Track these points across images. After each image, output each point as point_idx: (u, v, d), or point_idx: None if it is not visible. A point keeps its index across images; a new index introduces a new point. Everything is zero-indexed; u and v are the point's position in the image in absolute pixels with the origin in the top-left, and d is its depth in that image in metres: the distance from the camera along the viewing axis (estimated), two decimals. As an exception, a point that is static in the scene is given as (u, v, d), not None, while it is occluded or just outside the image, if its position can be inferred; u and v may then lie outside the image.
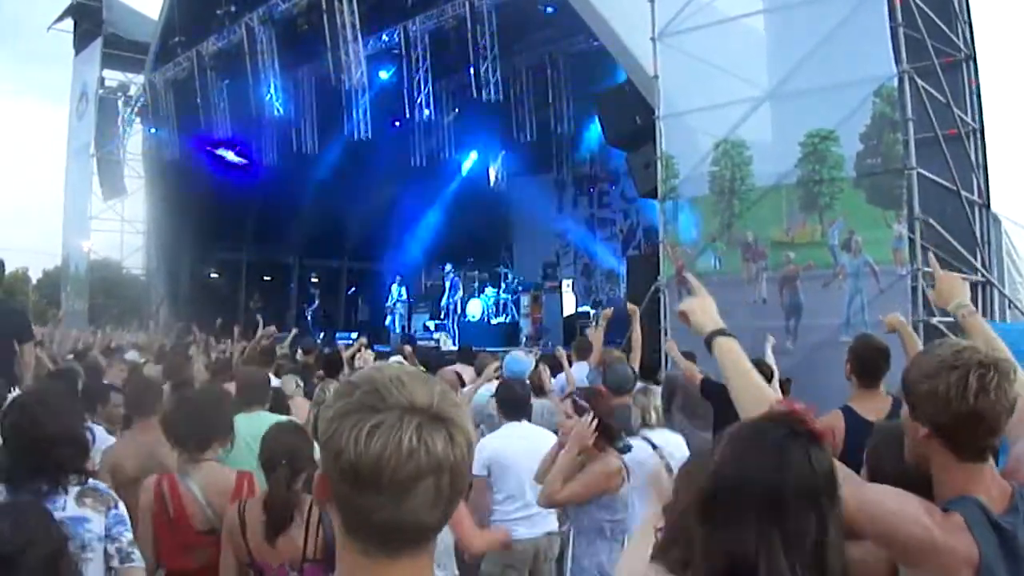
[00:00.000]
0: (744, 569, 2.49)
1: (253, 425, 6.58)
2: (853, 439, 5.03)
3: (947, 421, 3.02)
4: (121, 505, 4.61)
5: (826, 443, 2.67)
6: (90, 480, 4.60)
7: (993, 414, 2.96)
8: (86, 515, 4.41)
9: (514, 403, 7.99)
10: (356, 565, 2.05)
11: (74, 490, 4.45)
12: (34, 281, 68.19)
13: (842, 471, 3.05)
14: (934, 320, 13.09)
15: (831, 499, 2.58)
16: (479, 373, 11.69)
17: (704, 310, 3.84)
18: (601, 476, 6.41)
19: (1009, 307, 15.30)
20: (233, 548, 5.11)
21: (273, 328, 16.85)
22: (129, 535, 4.57)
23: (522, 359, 11.01)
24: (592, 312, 29.38)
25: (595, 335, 11.59)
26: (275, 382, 10.57)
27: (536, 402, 9.48)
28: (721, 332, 3.69)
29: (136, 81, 36.02)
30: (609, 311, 12.77)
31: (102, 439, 6.88)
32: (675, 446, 7.58)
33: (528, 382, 9.81)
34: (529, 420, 8.12)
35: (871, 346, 6.76)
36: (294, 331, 19.10)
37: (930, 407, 3.07)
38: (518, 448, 7.65)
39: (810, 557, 2.47)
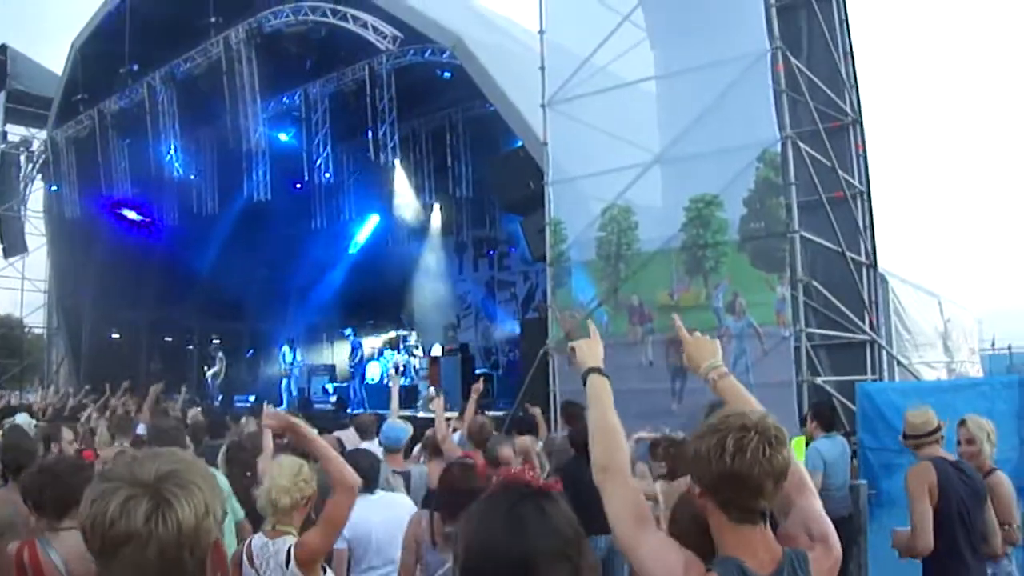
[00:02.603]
0: None
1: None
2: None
3: (709, 481, 3.17)
4: None
5: (558, 495, 2.75)
6: None
7: (752, 475, 3.08)
8: None
9: (367, 474, 7.98)
10: None
11: None
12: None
13: (631, 507, 3.28)
14: (818, 380, 13.30)
15: (578, 549, 2.64)
16: (361, 434, 11.73)
17: (590, 349, 4.07)
18: None
19: (897, 365, 15.54)
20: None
21: (160, 385, 16.82)
22: None
23: (399, 426, 11.01)
24: (491, 374, 29.47)
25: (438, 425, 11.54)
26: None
27: (415, 469, 9.58)
28: (598, 371, 3.90)
29: (39, 136, 35.68)
30: (479, 384, 12.78)
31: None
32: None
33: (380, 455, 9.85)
34: (376, 490, 8.09)
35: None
36: (183, 393, 18.97)
37: (696, 467, 3.22)
38: (375, 520, 7.66)
39: None
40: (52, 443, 10.26)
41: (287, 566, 5.77)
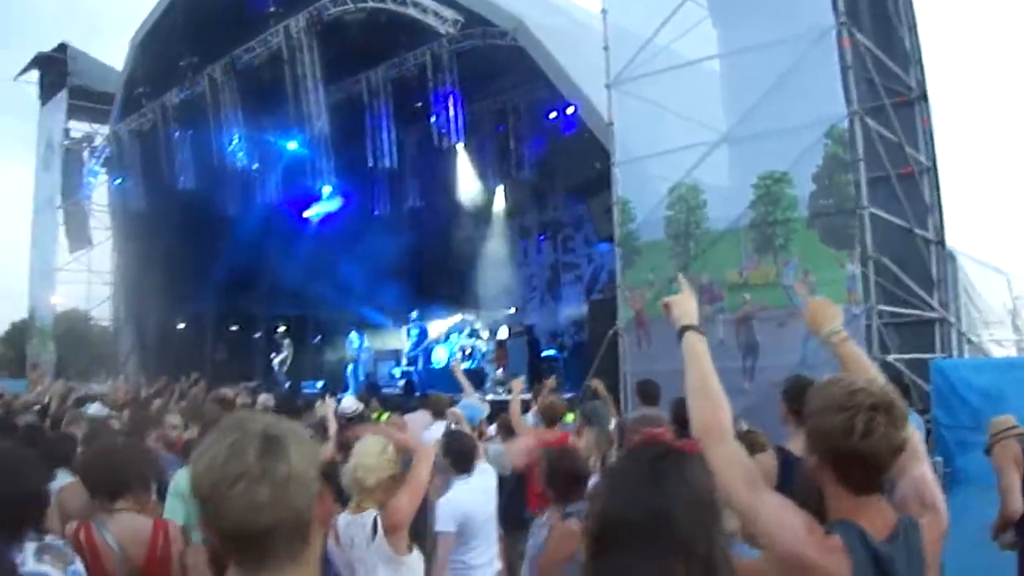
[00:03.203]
0: None
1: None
2: (786, 477, 5.10)
3: (833, 457, 3.16)
4: (79, 562, 4.61)
5: (697, 456, 2.74)
6: (47, 536, 4.62)
7: (877, 455, 3.09)
8: (45, 571, 4.41)
9: (464, 456, 8.04)
10: None
11: (32, 546, 4.45)
12: (1, 333, 67.71)
13: (742, 471, 3.25)
14: (889, 358, 13.20)
15: (712, 509, 2.64)
16: (435, 415, 11.79)
17: (685, 305, 4.02)
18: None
19: (967, 343, 15.39)
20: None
21: (197, 374, 17.02)
22: None
23: (477, 405, 11.07)
24: (558, 356, 29.43)
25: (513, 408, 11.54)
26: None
27: (490, 447, 9.60)
28: (694, 328, 3.85)
29: (101, 132, 35.87)
30: (520, 381, 12.71)
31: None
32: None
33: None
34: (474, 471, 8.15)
35: (803, 384, 6.81)
36: (250, 383, 19.11)
37: (819, 441, 3.19)
38: (475, 503, 7.77)
39: (702, 566, 2.54)
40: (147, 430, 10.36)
41: (374, 537, 5.86)
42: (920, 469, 3.52)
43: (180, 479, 7.42)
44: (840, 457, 3.12)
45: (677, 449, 2.72)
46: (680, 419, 7.35)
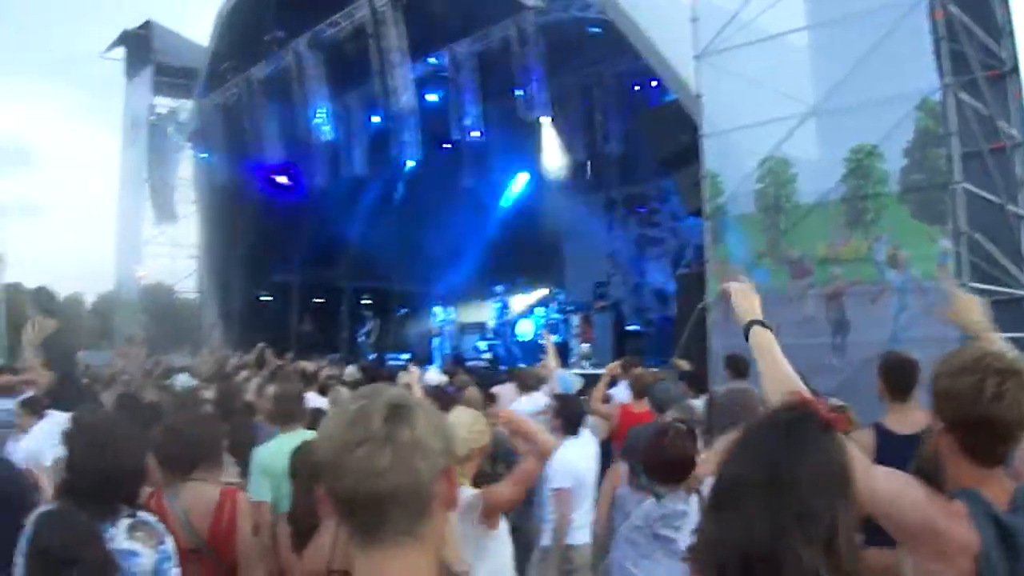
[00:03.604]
0: (757, 557, 2.50)
1: (288, 444, 6.88)
2: (884, 454, 5.03)
3: (960, 422, 3.10)
4: (169, 540, 4.64)
5: (836, 430, 2.68)
6: (140, 513, 4.64)
7: (1005, 422, 3.02)
8: (136, 549, 4.43)
9: (574, 418, 8.20)
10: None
11: (125, 522, 4.48)
12: (88, 305, 68.67)
13: (854, 456, 3.15)
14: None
15: (841, 485, 2.57)
16: (523, 388, 11.85)
17: (747, 301, 4.03)
18: None
19: (1058, 323, 15.15)
20: (266, 565, 5.19)
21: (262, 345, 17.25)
22: (175, 572, 4.61)
23: (568, 378, 11.14)
24: (643, 331, 29.38)
25: (598, 388, 11.64)
26: (321, 401, 10.74)
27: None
28: (760, 323, 3.88)
29: (186, 107, 36.31)
30: (615, 365, 12.72)
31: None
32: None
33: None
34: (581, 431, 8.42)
35: (900, 360, 6.75)
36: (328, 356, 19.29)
37: (946, 406, 3.15)
38: (583, 461, 7.95)
39: (823, 544, 2.48)
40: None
41: (469, 511, 5.88)
42: None
43: (261, 455, 7.49)
44: (968, 422, 3.08)
45: (819, 417, 2.64)
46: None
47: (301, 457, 5.67)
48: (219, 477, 5.86)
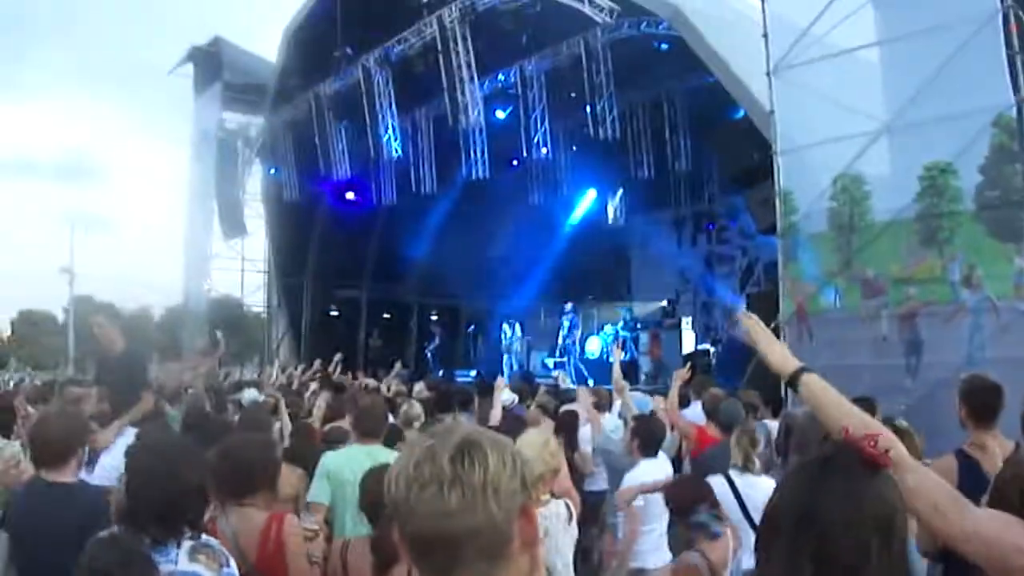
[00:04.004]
0: None
1: (358, 454, 7.17)
2: (967, 483, 4.89)
3: None
4: (232, 563, 4.59)
5: (885, 473, 2.54)
6: (203, 536, 4.59)
7: None
8: (198, 571, 4.36)
9: (652, 439, 8.29)
10: None
11: (187, 544, 4.42)
12: (156, 318, 69.44)
13: (942, 495, 3.08)
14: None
15: (879, 527, 2.43)
16: (598, 408, 11.78)
17: (781, 353, 3.83)
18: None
19: None
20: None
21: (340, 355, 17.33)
22: None
23: (642, 399, 11.07)
24: (712, 349, 29.28)
25: (672, 397, 11.54)
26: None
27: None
28: (805, 369, 3.64)
29: (255, 122, 36.75)
30: (684, 371, 12.55)
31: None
32: (760, 491, 7.52)
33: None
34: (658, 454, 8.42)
35: (984, 385, 6.55)
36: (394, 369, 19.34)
37: None
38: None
39: None
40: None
41: (569, 523, 6.11)
42: None
43: (328, 460, 7.62)
44: None
45: (860, 456, 2.50)
46: None
47: (375, 485, 5.62)
48: (273, 503, 5.86)
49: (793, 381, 3.64)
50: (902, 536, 2.49)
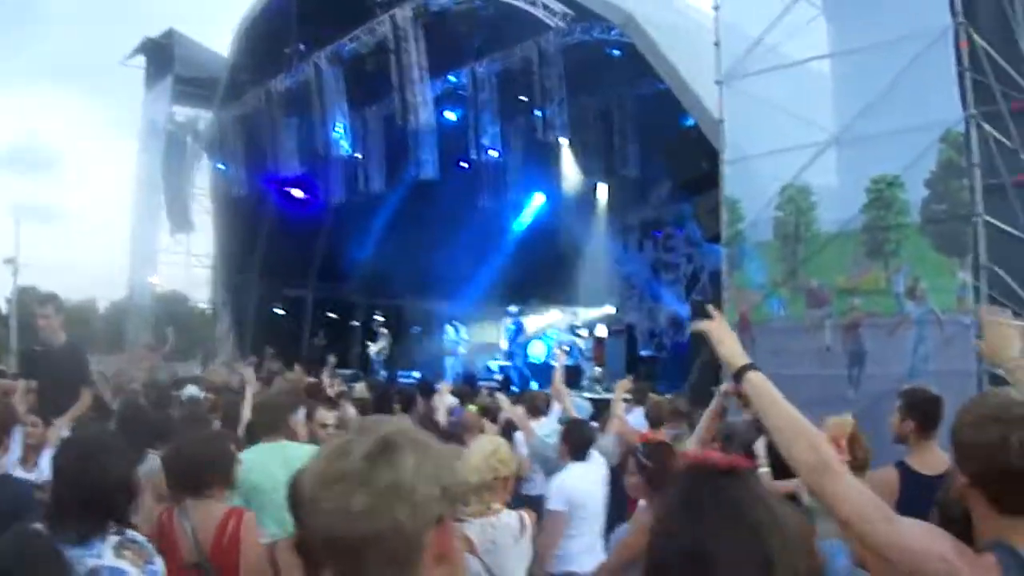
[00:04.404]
0: None
1: (264, 455, 7.13)
2: (909, 494, 4.91)
3: (985, 475, 2.96)
4: (158, 560, 4.60)
5: (747, 472, 2.47)
6: (129, 531, 4.57)
7: None
8: (123, 567, 4.35)
9: (582, 442, 8.29)
10: None
11: (113, 539, 4.41)
12: (101, 311, 68.92)
13: (867, 503, 3.09)
14: (999, 371, 12.86)
15: (773, 534, 2.36)
16: (531, 412, 11.75)
17: (732, 346, 3.81)
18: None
19: (1078, 361, 14.98)
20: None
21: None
22: None
23: (581, 403, 11.05)
24: (656, 356, 29.38)
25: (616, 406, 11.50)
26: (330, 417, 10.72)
27: (602, 439, 9.78)
28: (752, 367, 3.64)
29: (205, 117, 36.42)
30: (627, 381, 12.51)
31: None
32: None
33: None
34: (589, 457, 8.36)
35: (927, 396, 6.59)
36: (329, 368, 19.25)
37: (970, 458, 3.01)
38: (589, 487, 7.88)
39: None
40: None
41: (521, 536, 5.97)
42: None
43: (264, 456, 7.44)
44: (993, 475, 2.93)
45: (719, 470, 2.42)
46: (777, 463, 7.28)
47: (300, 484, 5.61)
48: (230, 495, 5.92)
49: (739, 375, 3.65)
50: (794, 540, 2.43)
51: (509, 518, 5.98)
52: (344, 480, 2.00)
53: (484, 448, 6.14)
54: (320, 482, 2.02)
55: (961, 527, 3.12)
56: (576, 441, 8.44)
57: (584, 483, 8.15)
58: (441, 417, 10.52)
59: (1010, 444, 2.85)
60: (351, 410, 10.99)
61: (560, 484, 8.00)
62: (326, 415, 10.25)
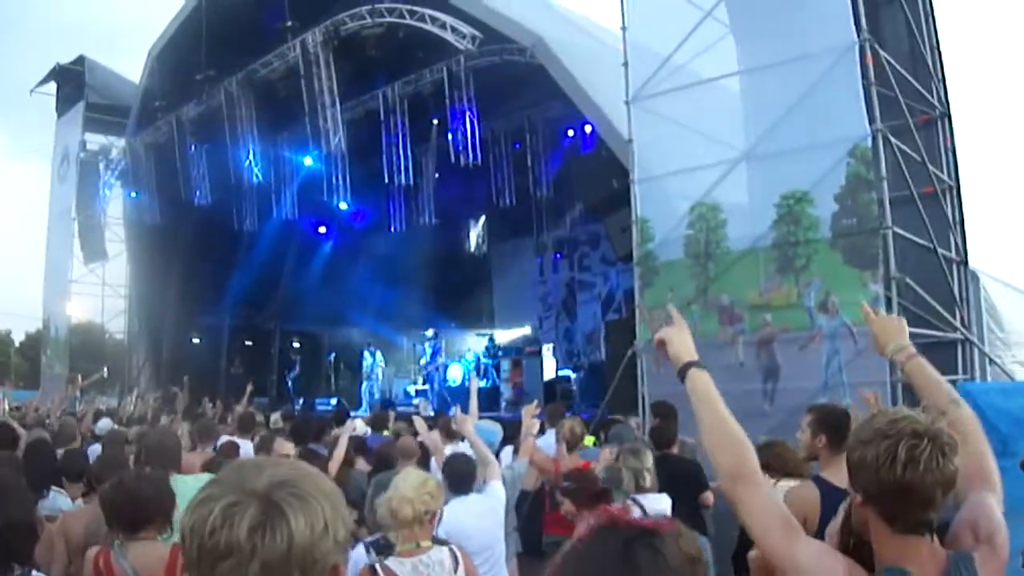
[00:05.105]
0: None
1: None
2: (828, 508, 4.93)
3: (876, 490, 2.97)
4: None
5: (673, 533, 2.45)
6: (34, 571, 4.54)
7: (922, 487, 2.89)
8: None
9: (460, 477, 8.04)
10: None
11: None
12: (17, 344, 68.13)
13: (776, 517, 3.16)
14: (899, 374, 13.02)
15: None
16: (447, 436, 11.68)
17: (682, 341, 3.78)
18: None
19: (989, 364, 15.21)
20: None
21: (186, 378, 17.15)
22: None
23: (491, 428, 10.97)
24: (573, 375, 29.40)
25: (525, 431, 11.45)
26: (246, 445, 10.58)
27: (516, 463, 10.17)
28: (697, 364, 3.65)
29: (117, 144, 35.90)
30: (533, 406, 12.46)
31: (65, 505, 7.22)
32: (665, 505, 7.58)
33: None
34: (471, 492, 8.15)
35: (836, 411, 6.63)
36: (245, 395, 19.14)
37: (862, 475, 3.02)
38: (470, 520, 7.72)
39: None
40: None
41: (455, 572, 5.87)
42: (981, 496, 3.30)
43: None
44: (884, 491, 2.93)
45: (650, 529, 2.39)
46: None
47: None
48: (169, 534, 5.70)
49: (683, 372, 3.65)
50: None
51: (440, 555, 5.88)
52: (233, 555, 1.91)
53: (414, 480, 6.06)
54: (209, 553, 1.93)
55: (870, 550, 3.13)
56: (452, 476, 8.23)
57: (467, 517, 7.91)
58: (339, 454, 10.34)
59: (898, 458, 2.86)
60: (288, 445, 10.82)
61: (442, 522, 7.75)
62: (285, 445, 10.07)
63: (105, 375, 18.59)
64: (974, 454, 3.11)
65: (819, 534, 3.45)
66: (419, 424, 10.97)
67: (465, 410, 10.02)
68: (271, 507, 1.93)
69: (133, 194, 34.28)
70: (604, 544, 2.38)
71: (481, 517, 7.87)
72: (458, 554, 5.98)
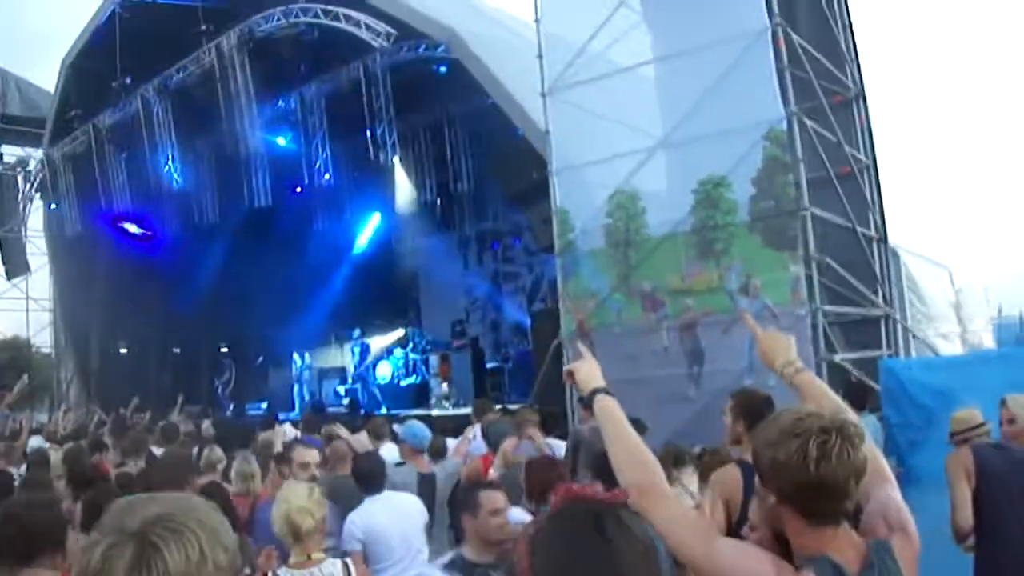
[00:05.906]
0: None
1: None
2: (749, 486, 4.98)
3: (792, 490, 3.00)
4: None
5: (626, 505, 2.55)
6: None
7: (836, 480, 2.93)
8: None
9: (371, 476, 8.09)
10: None
11: None
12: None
13: (689, 524, 3.19)
14: (836, 358, 13.14)
15: (658, 562, 2.49)
16: (375, 438, 11.64)
17: (589, 371, 3.86)
18: None
19: (913, 338, 15.38)
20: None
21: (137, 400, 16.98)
22: None
23: (420, 428, 10.94)
24: (502, 367, 29.43)
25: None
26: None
27: (439, 470, 9.97)
28: (603, 391, 3.70)
29: (35, 156, 35.43)
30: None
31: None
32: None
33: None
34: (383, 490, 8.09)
35: (756, 398, 6.67)
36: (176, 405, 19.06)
37: (774, 476, 3.04)
38: (384, 520, 7.67)
39: None
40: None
41: None
42: (884, 490, 3.36)
43: None
44: (799, 488, 2.97)
45: (612, 502, 2.52)
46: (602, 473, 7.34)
47: None
48: (62, 567, 5.48)
49: (590, 399, 3.73)
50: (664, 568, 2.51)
51: (333, 567, 5.86)
52: None
53: (302, 491, 6.03)
54: None
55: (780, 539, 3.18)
56: (361, 474, 8.18)
57: (380, 516, 7.84)
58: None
59: (809, 455, 2.90)
60: (218, 451, 10.69)
61: (350, 525, 7.66)
62: (307, 453, 9.87)
63: (26, 381, 18.36)
64: (868, 453, 3.15)
65: (743, 511, 3.47)
66: (342, 431, 10.97)
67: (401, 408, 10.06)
68: (146, 545, 1.93)
69: (53, 205, 33.93)
70: (573, 517, 2.48)
71: (397, 515, 7.84)
72: (351, 566, 5.97)
